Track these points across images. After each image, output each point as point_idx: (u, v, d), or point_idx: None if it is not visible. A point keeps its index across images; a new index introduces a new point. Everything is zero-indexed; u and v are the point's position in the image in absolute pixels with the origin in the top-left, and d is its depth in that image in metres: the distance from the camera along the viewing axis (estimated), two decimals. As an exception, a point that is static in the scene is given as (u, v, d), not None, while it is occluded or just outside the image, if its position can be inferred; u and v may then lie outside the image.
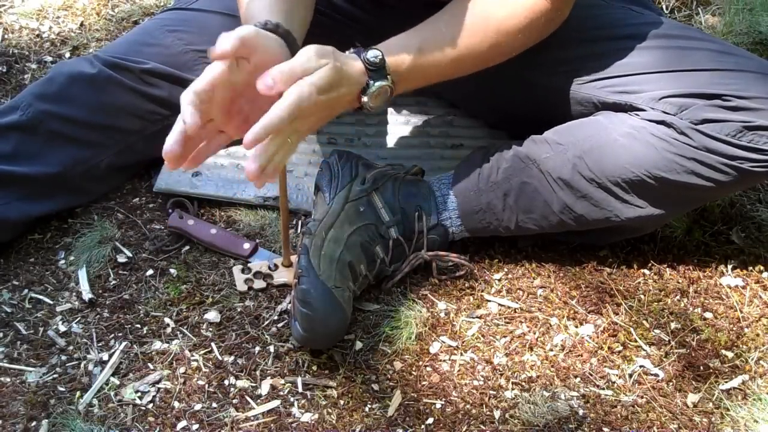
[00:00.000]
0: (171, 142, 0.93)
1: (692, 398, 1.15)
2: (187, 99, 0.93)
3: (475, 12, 1.12)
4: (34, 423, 1.09)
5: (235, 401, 1.13)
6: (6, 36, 1.71)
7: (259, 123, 0.92)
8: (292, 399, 1.13)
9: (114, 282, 1.27)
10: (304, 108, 0.95)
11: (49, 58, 1.65)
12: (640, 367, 1.19)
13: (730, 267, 1.32)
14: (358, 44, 1.06)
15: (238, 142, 1.10)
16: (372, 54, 1.04)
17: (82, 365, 1.16)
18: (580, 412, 1.13)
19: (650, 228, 1.30)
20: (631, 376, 1.18)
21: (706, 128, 1.12)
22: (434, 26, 1.12)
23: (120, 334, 1.20)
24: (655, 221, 1.23)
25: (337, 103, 1.02)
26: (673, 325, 1.24)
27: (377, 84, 1.04)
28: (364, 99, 1.05)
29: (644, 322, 1.24)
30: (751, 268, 1.32)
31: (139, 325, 1.21)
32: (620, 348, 1.21)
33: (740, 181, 1.14)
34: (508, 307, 1.25)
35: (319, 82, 0.96)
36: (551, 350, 1.20)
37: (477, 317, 1.24)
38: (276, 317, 1.23)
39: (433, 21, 1.12)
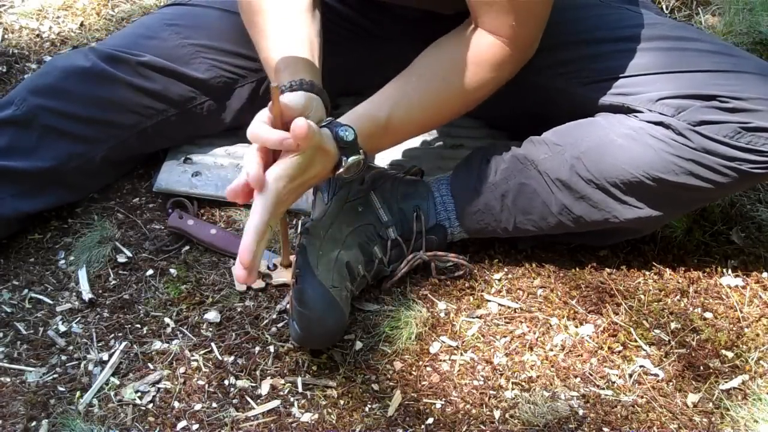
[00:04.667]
0: (233, 186, 0.98)
1: (692, 398, 1.15)
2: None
3: (440, 71, 1.14)
4: (34, 423, 1.09)
5: (235, 401, 1.13)
6: (6, 36, 1.71)
7: (247, 238, 0.96)
8: (292, 399, 1.13)
9: (114, 282, 1.27)
10: (280, 200, 0.99)
11: (49, 58, 1.65)
12: (640, 367, 1.19)
13: (730, 267, 1.32)
14: (329, 117, 1.09)
15: (239, 141, 1.11)
16: (344, 132, 1.05)
17: (82, 365, 1.16)
18: (580, 412, 1.13)
19: (650, 229, 1.30)
20: (631, 376, 1.18)
21: (704, 129, 1.12)
22: (400, 91, 1.14)
23: (120, 334, 1.20)
24: (654, 222, 1.23)
25: (311, 180, 1.04)
26: (673, 325, 1.24)
27: (350, 159, 1.06)
28: (339, 171, 1.07)
29: (644, 322, 1.24)
30: (751, 268, 1.32)
31: (139, 325, 1.21)
32: (620, 348, 1.21)
33: (739, 182, 1.14)
34: (508, 307, 1.25)
35: (289, 171, 0.99)
36: (551, 350, 1.20)
37: (477, 317, 1.24)
38: (275, 317, 1.23)
39: (398, 85, 1.14)
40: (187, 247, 1.32)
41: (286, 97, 1.03)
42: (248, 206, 1.38)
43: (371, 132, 1.10)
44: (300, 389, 1.15)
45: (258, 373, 1.16)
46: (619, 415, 1.12)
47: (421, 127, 1.18)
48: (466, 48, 1.13)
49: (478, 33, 1.13)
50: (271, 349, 1.19)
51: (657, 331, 1.23)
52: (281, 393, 1.14)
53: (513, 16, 1.10)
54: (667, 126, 1.13)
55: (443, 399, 1.14)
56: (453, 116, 1.21)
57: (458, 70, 1.13)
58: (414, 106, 1.13)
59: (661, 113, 1.14)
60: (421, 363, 1.18)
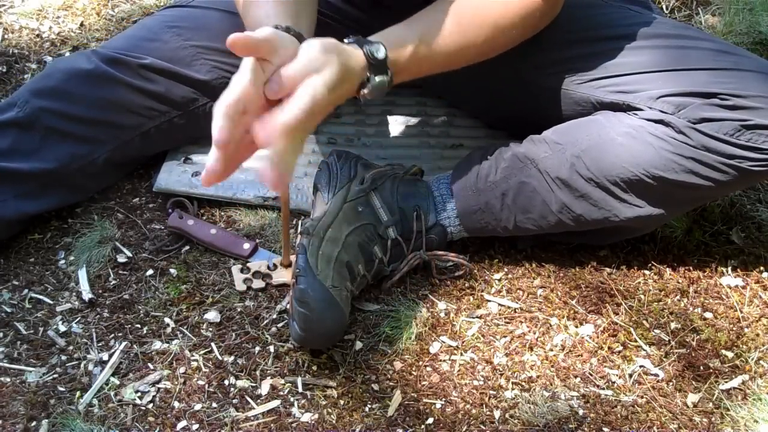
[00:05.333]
0: (212, 160, 0.90)
1: (692, 398, 1.15)
2: (218, 111, 0.90)
3: (471, 6, 1.12)
4: (34, 423, 1.09)
5: (235, 401, 1.13)
6: (6, 36, 1.71)
7: (278, 121, 0.89)
8: (292, 399, 1.13)
9: (114, 282, 1.27)
10: (317, 107, 0.95)
11: (49, 58, 1.65)
12: (640, 367, 1.19)
13: (730, 267, 1.32)
14: (352, 37, 1.04)
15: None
16: (375, 49, 1.02)
17: (82, 365, 1.16)
18: (580, 412, 1.13)
19: (650, 228, 1.30)
20: (631, 376, 1.18)
21: (704, 127, 1.12)
22: (430, 19, 1.11)
23: (120, 334, 1.20)
24: (654, 221, 1.23)
25: (340, 98, 1.01)
26: (673, 325, 1.24)
27: (378, 79, 1.03)
28: (364, 92, 1.03)
29: (644, 322, 1.24)
30: (751, 268, 1.32)
31: (139, 325, 1.21)
32: (620, 348, 1.21)
33: (739, 180, 1.14)
34: (508, 307, 1.25)
35: (330, 79, 0.95)
36: (551, 350, 1.20)
37: (477, 317, 1.24)
38: (276, 317, 1.23)
39: (429, 14, 1.12)
40: (187, 247, 1.32)
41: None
42: (250, 206, 1.38)
43: (399, 54, 1.06)
44: (300, 389, 1.15)
45: (258, 373, 1.16)
46: (619, 415, 1.12)
47: (447, 59, 1.13)
48: None
49: None
50: (271, 349, 1.19)
51: (657, 331, 1.23)
52: (281, 393, 1.14)
53: None
54: (667, 124, 1.13)
55: (443, 399, 1.14)
56: (479, 54, 1.15)
57: (487, 6, 1.12)
58: (442, 34, 1.10)
59: (661, 111, 1.14)
60: (421, 363, 1.18)
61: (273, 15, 1.06)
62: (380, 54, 1.03)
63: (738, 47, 1.24)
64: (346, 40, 1.02)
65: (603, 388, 1.16)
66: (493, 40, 1.14)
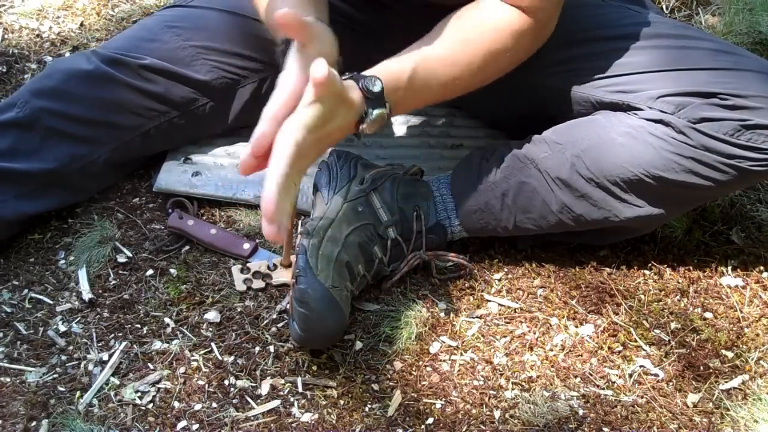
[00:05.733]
0: (244, 155, 0.97)
1: (692, 398, 1.15)
2: (266, 114, 0.97)
3: (464, 34, 1.12)
4: (34, 423, 1.09)
5: (235, 401, 1.13)
6: (6, 36, 1.71)
7: (269, 189, 0.93)
8: (292, 399, 1.13)
9: (114, 282, 1.27)
10: (302, 150, 0.95)
11: (49, 58, 1.65)
12: (640, 367, 1.19)
13: (730, 267, 1.32)
14: (347, 72, 1.05)
15: (239, 141, 1.10)
16: (371, 83, 1.03)
17: (82, 365, 1.16)
18: (580, 412, 1.13)
19: (650, 228, 1.30)
20: (631, 376, 1.18)
21: (704, 127, 1.12)
22: (424, 50, 1.11)
23: (120, 334, 1.20)
24: (654, 221, 1.23)
25: (333, 134, 1.01)
26: (673, 325, 1.24)
27: (376, 112, 1.03)
28: (362, 126, 1.04)
29: (644, 322, 1.24)
30: (751, 268, 1.32)
31: (139, 325, 1.21)
32: (620, 348, 1.21)
33: (739, 180, 1.14)
34: (508, 307, 1.25)
35: (308, 121, 0.96)
36: (551, 350, 1.20)
37: (477, 317, 1.24)
38: (276, 317, 1.23)
39: (422, 45, 1.12)
40: (187, 247, 1.32)
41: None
42: (250, 206, 1.38)
43: (395, 86, 1.06)
44: (300, 389, 1.15)
45: (258, 373, 1.16)
46: (619, 415, 1.12)
47: (443, 88, 1.14)
48: (487, 14, 1.12)
49: (499, 3, 1.11)
50: (271, 349, 1.19)
51: (657, 331, 1.23)
52: (281, 393, 1.14)
53: None
54: (667, 124, 1.14)
55: (443, 399, 1.14)
56: (474, 81, 1.16)
57: (479, 33, 1.12)
58: (437, 63, 1.10)
59: (661, 110, 1.14)
60: (421, 363, 1.18)
61: (296, 5, 1.06)
62: (376, 88, 1.03)
63: (738, 47, 1.25)
64: (342, 77, 1.02)
65: (603, 388, 1.16)
66: (487, 66, 1.14)
